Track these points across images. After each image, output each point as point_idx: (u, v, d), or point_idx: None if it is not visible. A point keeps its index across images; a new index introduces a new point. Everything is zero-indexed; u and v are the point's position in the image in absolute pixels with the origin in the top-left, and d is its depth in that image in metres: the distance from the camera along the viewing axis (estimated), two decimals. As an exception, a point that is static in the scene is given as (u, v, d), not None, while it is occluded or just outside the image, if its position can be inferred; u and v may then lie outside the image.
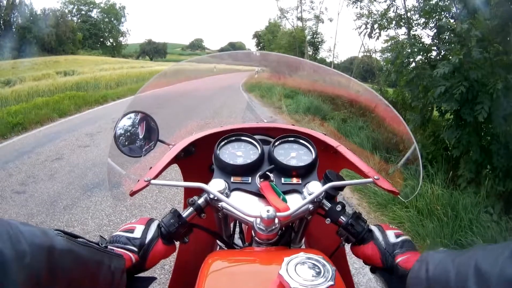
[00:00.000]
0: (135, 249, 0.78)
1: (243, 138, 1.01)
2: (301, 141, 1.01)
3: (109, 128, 7.82)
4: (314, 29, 24.89)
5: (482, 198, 3.97)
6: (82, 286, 0.59)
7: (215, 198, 0.84)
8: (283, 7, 25.25)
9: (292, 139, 1.02)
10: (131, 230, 0.82)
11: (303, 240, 1.04)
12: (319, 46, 25.53)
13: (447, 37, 4.85)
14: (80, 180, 4.72)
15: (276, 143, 1.00)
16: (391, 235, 0.82)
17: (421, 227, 3.52)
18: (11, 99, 11.25)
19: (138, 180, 0.93)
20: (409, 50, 5.45)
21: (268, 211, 0.75)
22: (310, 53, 24.11)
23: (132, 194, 0.91)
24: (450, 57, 4.23)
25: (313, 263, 0.61)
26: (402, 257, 0.76)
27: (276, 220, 0.78)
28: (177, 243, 0.89)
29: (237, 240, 1.17)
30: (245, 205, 0.83)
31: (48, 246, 0.51)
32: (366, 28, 7.69)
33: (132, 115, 1.13)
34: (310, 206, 0.85)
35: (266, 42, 30.22)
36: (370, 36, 7.52)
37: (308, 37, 24.38)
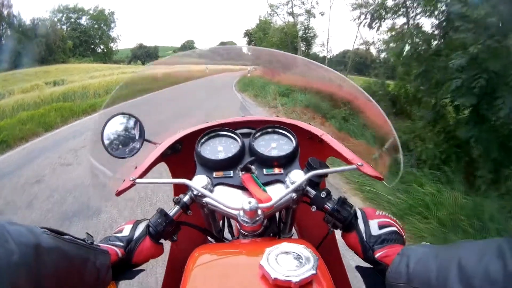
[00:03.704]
0: (122, 244, 0.80)
1: (222, 133, 1.02)
2: (280, 131, 1.02)
3: (94, 141, 7.53)
4: (306, 24, 24.46)
5: (507, 201, 3.58)
6: (68, 282, 0.60)
7: (199, 194, 0.85)
8: (273, 3, 24.48)
9: (271, 130, 1.02)
10: (120, 231, 0.85)
11: (293, 230, 1.06)
12: (312, 41, 25.05)
13: (458, 25, 4.39)
14: (59, 206, 4.26)
15: (256, 135, 1.01)
16: (374, 226, 0.80)
17: (445, 242, 3.08)
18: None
19: (124, 180, 0.94)
20: (417, 40, 4.99)
21: (250, 202, 0.76)
22: (303, 48, 23.65)
23: (118, 194, 0.91)
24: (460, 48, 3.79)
25: (296, 253, 0.61)
26: (381, 252, 0.74)
27: (259, 211, 0.79)
28: (169, 243, 0.91)
29: (227, 234, 1.15)
30: (228, 199, 0.83)
31: (35, 244, 0.52)
32: (365, 18, 7.22)
33: (119, 117, 1.12)
34: (293, 195, 0.85)
35: (257, 40, 29.61)
36: (370, 27, 7.06)
37: (300, 33, 23.90)
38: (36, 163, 6.29)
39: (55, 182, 5.20)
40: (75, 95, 14.20)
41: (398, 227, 0.82)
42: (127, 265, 0.82)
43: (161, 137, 1.19)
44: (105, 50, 57.14)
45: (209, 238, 1.03)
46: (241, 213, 0.80)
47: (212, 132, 1.02)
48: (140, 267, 0.86)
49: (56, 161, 6.33)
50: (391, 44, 6.72)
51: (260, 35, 29.15)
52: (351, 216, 0.83)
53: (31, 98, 13.13)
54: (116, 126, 1.12)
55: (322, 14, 23.43)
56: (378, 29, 7.04)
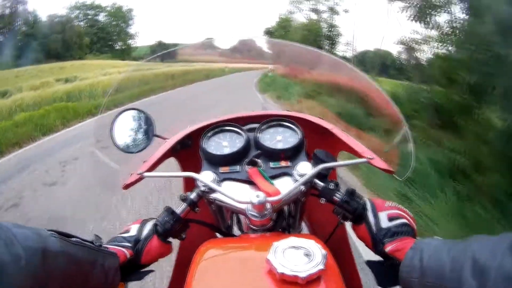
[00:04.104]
0: (130, 244, 0.79)
1: (227, 128, 1.01)
2: (285, 123, 1.00)
3: (90, 151, 6.41)
4: (330, 22, 23.06)
5: None
6: (76, 286, 0.59)
7: (206, 190, 0.84)
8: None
9: (275, 123, 1.01)
10: (127, 231, 0.83)
11: (302, 224, 1.06)
12: (336, 40, 23.45)
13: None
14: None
15: (261, 129, 0.99)
16: (383, 218, 0.78)
17: None
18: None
19: (131, 174, 0.94)
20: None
21: (258, 196, 0.75)
22: (327, 48, 22.27)
23: (125, 187, 0.91)
24: None
25: (304, 247, 0.61)
26: (392, 245, 0.72)
27: (268, 205, 0.78)
28: (177, 241, 0.91)
29: (236, 231, 1.13)
30: (236, 194, 0.81)
31: (42, 247, 0.51)
32: (414, 10, 5.92)
33: (129, 112, 1.13)
34: (302, 187, 0.83)
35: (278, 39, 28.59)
36: (419, 21, 5.78)
37: (324, 30, 22.47)
38: (20, 178, 5.36)
39: (32, 208, 4.24)
40: (81, 94, 13.09)
41: (409, 218, 0.79)
42: (135, 266, 0.80)
43: (171, 132, 1.17)
44: (124, 47, 56.25)
45: (217, 234, 1.01)
46: (249, 207, 0.78)
47: (216, 127, 1.01)
48: (149, 268, 0.84)
49: (40, 177, 5.35)
50: (447, 45, 5.46)
51: (281, 32, 27.88)
52: (360, 207, 0.81)
53: (34, 97, 12.24)
54: (126, 121, 1.12)
55: (346, 12, 22.03)
56: (430, 24, 5.73)
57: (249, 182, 0.87)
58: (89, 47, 47.75)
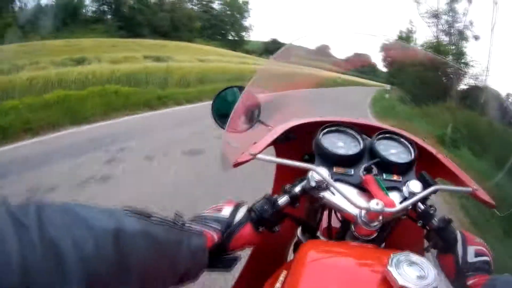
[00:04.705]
0: (219, 227, 0.74)
1: (344, 129, 0.99)
2: (401, 139, 0.99)
3: (115, 172, 4.42)
4: (458, 48, 18.46)
5: None
6: (160, 269, 0.55)
7: (317, 186, 0.81)
8: (423, 13, 19.03)
9: (391, 135, 0.99)
10: (218, 210, 0.79)
11: (384, 241, 0.99)
12: (467, 71, 18.45)
13: None
14: None
15: (377, 138, 0.97)
16: (471, 252, 0.78)
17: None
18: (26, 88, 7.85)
19: (243, 153, 0.92)
20: None
21: (377, 204, 0.73)
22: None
23: (236, 165, 0.90)
24: None
25: (418, 264, 0.60)
26: (473, 280, 0.73)
27: (380, 216, 0.76)
28: None
29: (318, 235, 1.05)
30: (352, 196, 0.78)
31: (115, 229, 0.46)
32: None
33: (238, 89, 1.15)
34: (409, 205, 0.81)
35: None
36: None
37: (450, 57, 17.91)
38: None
39: None
40: (148, 78, 10.84)
41: (491, 257, 0.79)
42: (220, 251, 0.74)
43: (274, 120, 1.17)
44: (236, 38, 56.35)
45: (298, 234, 1.00)
46: (363, 213, 0.75)
47: (336, 125, 0.99)
48: (235, 254, 0.78)
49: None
50: None
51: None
52: (452, 237, 0.81)
53: (108, 70, 10.50)
54: (232, 98, 1.14)
55: (477, 39, 17.29)
56: None
57: (361, 188, 0.84)
58: (199, 31, 47.87)
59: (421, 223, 0.83)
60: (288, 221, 0.88)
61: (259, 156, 0.88)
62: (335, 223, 1.00)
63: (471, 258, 0.77)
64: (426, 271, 0.58)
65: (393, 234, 1.04)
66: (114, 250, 0.44)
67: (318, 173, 0.80)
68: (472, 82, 16.03)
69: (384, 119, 11.09)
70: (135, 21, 33.74)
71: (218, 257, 0.73)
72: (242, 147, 0.95)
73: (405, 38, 24.30)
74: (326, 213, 0.99)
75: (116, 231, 0.46)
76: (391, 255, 0.60)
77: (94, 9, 35.20)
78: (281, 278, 0.70)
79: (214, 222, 0.74)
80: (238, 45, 53.43)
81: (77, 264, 0.39)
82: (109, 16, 35.16)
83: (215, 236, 0.71)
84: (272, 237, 0.90)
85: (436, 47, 16.95)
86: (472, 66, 15.35)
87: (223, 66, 17.42)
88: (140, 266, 0.49)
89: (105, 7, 35.81)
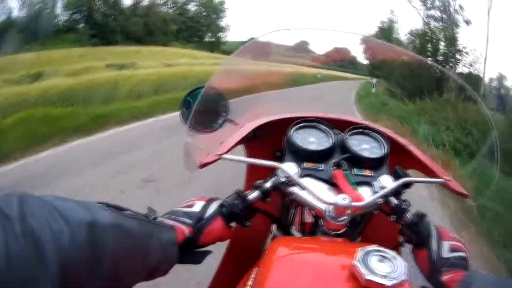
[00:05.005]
0: (190, 221, 0.77)
1: (316, 125, 1.00)
2: (373, 134, 1.00)
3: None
4: (448, 34, 17.42)
5: None
6: (131, 261, 0.57)
7: (286, 181, 0.84)
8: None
9: (364, 131, 1.00)
10: (190, 206, 0.81)
11: (359, 236, 1.04)
12: (460, 58, 16.64)
13: None
14: None
15: (349, 133, 0.98)
16: (446, 247, 0.79)
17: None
18: None
19: (208, 154, 0.93)
20: None
21: (344, 198, 0.75)
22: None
23: (202, 166, 0.91)
24: None
25: (386, 257, 0.61)
26: (449, 275, 0.74)
27: (349, 211, 0.78)
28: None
29: (293, 230, 1.08)
30: (319, 192, 0.81)
31: (90, 221, 0.49)
32: None
33: (204, 89, 1.11)
34: (380, 200, 0.84)
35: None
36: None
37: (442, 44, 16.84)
38: None
39: None
40: (94, 91, 9.10)
41: (468, 253, 0.80)
42: (191, 246, 0.76)
43: (243, 118, 1.17)
44: (213, 39, 55.12)
45: (273, 229, 1.02)
46: (331, 208, 0.78)
47: (307, 121, 1.00)
48: (206, 248, 0.80)
49: None
50: None
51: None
52: (426, 233, 0.81)
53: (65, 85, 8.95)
54: (199, 99, 1.09)
55: (468, 23, 16.33)
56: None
57: (330, 183, 0.86)
58: (175, 35, 47.03)
59: (394, 218, 0.84)
60: (264, 217, 0.92)
61: (226, 156, 0.89)
62: (309, 218, 1.01)
63: (446, 253, 0.77)
64: (394, 265, 0.58)
65: (368, 228, 1.05)
66: (88, 241, 0.46)
67: (283, 170, 0.82)
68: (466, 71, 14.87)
69: (370, 116, 9.99)
70: (108, 28, 32.84)
71: (189, 251, 0.75)
72: (210, 147, 0.95)
73: (387, 29, 23.31)
74: (300, 208, 1.02)
75: (90, 223, 0.48)
76: (358, 249, 0.61)
77: (66, 18, 33.74)
78: (253, 275, 0.70)
79: (185, 217, 0.76)
80: (215, 46, 52.64)
81: (55, 254, 0.42)
82: (81, 25, 33.61)
83: (186, 231, 0.73)
84: (247, 233, 0.93)
85: (423, 35, 15.89)
86: (465, 53, 14.18)
87: (189, 69, 15.99)
88: (112, 257, 0.50)
89: (78, 15, 34.22)
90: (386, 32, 23.26)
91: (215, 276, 1.19)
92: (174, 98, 8.66)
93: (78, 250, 0.45)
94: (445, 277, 0.73)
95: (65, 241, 0.43)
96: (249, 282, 0.69)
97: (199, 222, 0.76)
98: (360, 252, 0.60)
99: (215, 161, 0.89)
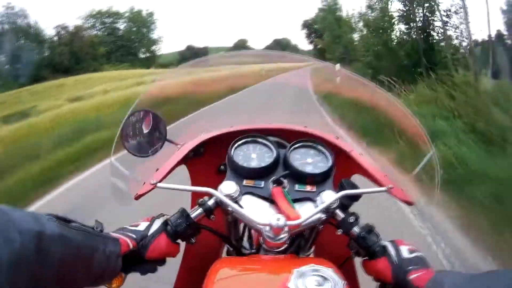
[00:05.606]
0: (135, 236, 0.76)
1: (258, 140, 0.97)
2: (318, 147, 0.96)
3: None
4: None
5: None
6: (75, 271, 0.59)
7: (224, 201, 0.84)
8: None
9: (309, 144, 0.96)
10: (136, 225, 0.81)
11: (312, 248, 1.04)
12: (447, 21, 14.18)
13: None
14: None
15: (292, 148, 0.94)
16: (404, 250, 0.78)
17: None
18: None
19: (144, 183, 0.91)
20: None
21: (278, 219, 0.73)
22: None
23: (137, 197, 0.89)
24: None
25: (323, 276, 0.61)
26: (416, 274, 0.71)
27: (286, 229, 0.76)
28: (183, 245, 0.90)
29: (245, 243, 1.10)
30: (255, 211, 0.81)
31: (38, 231, 0.50)
32: None
33: (139, 113, 1.07)
34: (322, 215, 0.82)
35: (326, 32, 21.39)
36: None
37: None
38: None
39: None
40: None
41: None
42: (139, 260, 0.77)
43: (183, 138, 1.13)
44: (147, 55, 53.57)
45: (226, 245, 1.03)
46: (267, 228, 0.76)
47: (247, 137, 0.97)
48: (155, 266, 0.80)
49: None
50: None
51: (330, 20, 20.74)
52: (376, 245, 0.79)
53: None
54: (137, 123, 1.07)
55: None
56: None
57: (270, 200, 0.84)
58: (106, 56, 45.03)
59: (340, 231, 0.82)
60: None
61: (159, 185, 0.86)
62: (255, 234, 1.02)
63: (406, 254, 0.75)
64: (332, 281, 0.58)
65: (321, 241, 1.04)
66: (35, 250, 0.48)
67: (216, 195, 0.81)
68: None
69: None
70: (32, 65, 30.52)
71: (136, 264, 0.75)
72: (147, 174, 0.92)
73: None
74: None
75: (39, 234, 0.50)
76: (293, 270, 0.61)
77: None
78: None
79: (130, 232, 0.75)
80: (151, 61, 50.91)
81: (7, 261, 0.44)
82: (6, 67, 30.48)
83: (130, 244, 0.73)
84: (199, 249, 0.94)
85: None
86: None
87: (100, 101, 12.93)
88: (57, 266, 0.53)
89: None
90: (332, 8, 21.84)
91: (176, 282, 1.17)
92: (98, 140, 6.31)
93: (27, 257, 0.47)
94: (412, 276, 0.70)
95: (16, 249, 0.45)
96: None
97: (143, 239, 0.76)
98: (295, 273, 0.60)
99: (150, 190, 0.87)
